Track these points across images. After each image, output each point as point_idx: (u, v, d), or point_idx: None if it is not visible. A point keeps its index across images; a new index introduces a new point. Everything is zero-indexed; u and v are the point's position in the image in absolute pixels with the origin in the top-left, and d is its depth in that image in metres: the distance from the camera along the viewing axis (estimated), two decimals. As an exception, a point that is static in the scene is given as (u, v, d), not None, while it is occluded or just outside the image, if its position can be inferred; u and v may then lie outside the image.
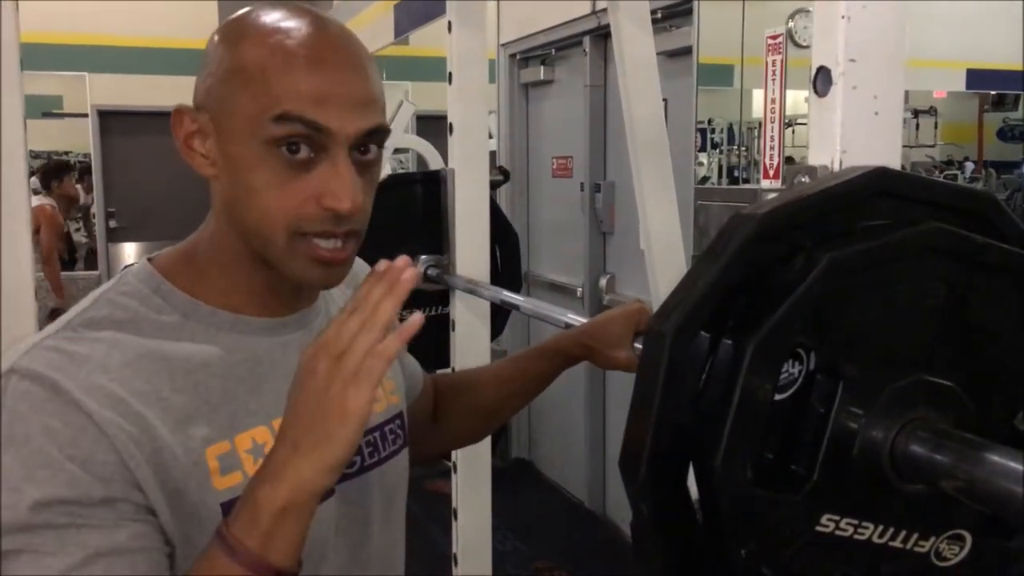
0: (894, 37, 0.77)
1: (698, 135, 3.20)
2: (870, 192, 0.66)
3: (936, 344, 0.67)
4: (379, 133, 0.80)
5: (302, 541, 0.69)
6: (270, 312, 0.85)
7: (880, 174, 0.66)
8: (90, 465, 0.70)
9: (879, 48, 0.76)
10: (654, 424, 0.64)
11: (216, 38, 0.81)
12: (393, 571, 0.97)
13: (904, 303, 0.66)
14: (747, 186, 3.05)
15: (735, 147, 3.34)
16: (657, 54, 3.26)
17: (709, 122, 3.34)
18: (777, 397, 0.65)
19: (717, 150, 3.42)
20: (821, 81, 0.77)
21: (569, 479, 4.34)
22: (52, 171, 6.53)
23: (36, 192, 6.15)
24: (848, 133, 0.76)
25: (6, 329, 1.54)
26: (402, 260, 0.73)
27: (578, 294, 4.06)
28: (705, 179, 3.27)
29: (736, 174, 3.31)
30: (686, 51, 3.19)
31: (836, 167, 0.76)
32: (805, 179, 0.78)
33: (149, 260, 0.85)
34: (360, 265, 1.06)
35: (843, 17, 0.75)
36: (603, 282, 3.95)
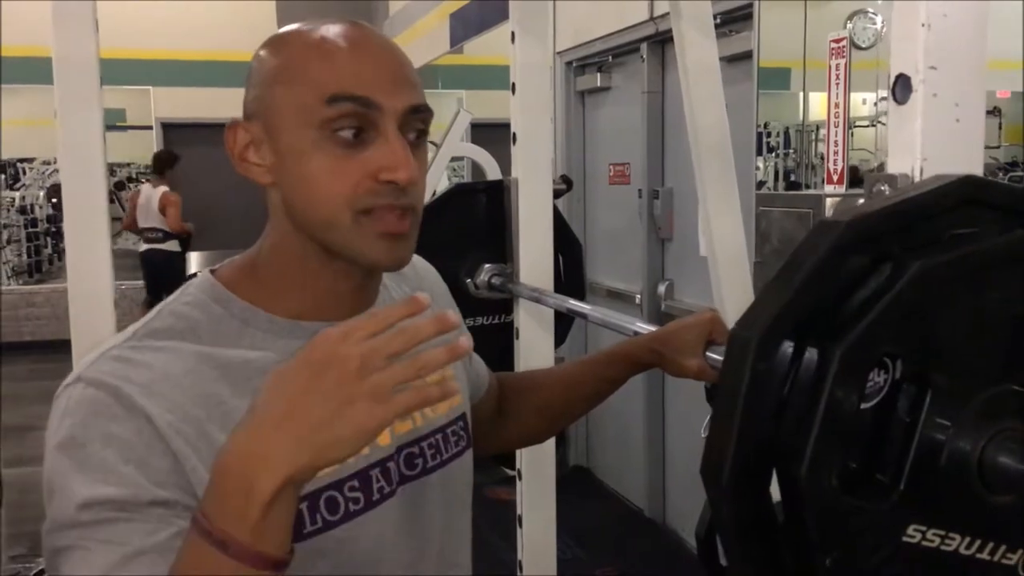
0: (975, 44, 0.76)
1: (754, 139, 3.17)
2: (958, 200, 0.65)
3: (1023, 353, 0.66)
4: (424, 112, 0.84)
5: (291, 526, 0.66)
6: (328, 316, 0.86)
7: (968, 182, 0.65)
8: (145, 469, 0.73)
9: (960, 55, 0.75)
10: (737, 432, 0.64)
11: (259, 52, 0.86)
12: (460, 572, 0.98)
13: (993, 312, 0.65)
14: (811, 191, 3.01)
15: (790, 151, 3.31)
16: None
17: (765, 126, 3.30)
18: (863, 406, 0.65)
19: (773, 154, 3.38)
20: (900, 88, 0.77)
21: (628, 487, 4.32)
22: (165, 160, 7.39)
23: (147, 180, 7.56)
24: (929, 141, 0.76)
25: (88, 334, 1.59)
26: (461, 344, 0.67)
27: (636, 301, 4.04)
28: (761, 184, 3.24)
29: (792, 178, 3.27)
30: (745, 56, 3.16)
31: (917, 175, 0.76)
32: (884, 188, 0.77)
33: (212, 271, 0.88)
34: (423, 265, 1.09)
35: (923, 25, 0.74)
36: (662, 289, 3.93)
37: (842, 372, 0.62)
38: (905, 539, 0.65)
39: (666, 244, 3.97)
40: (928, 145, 0.76)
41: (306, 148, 0.80)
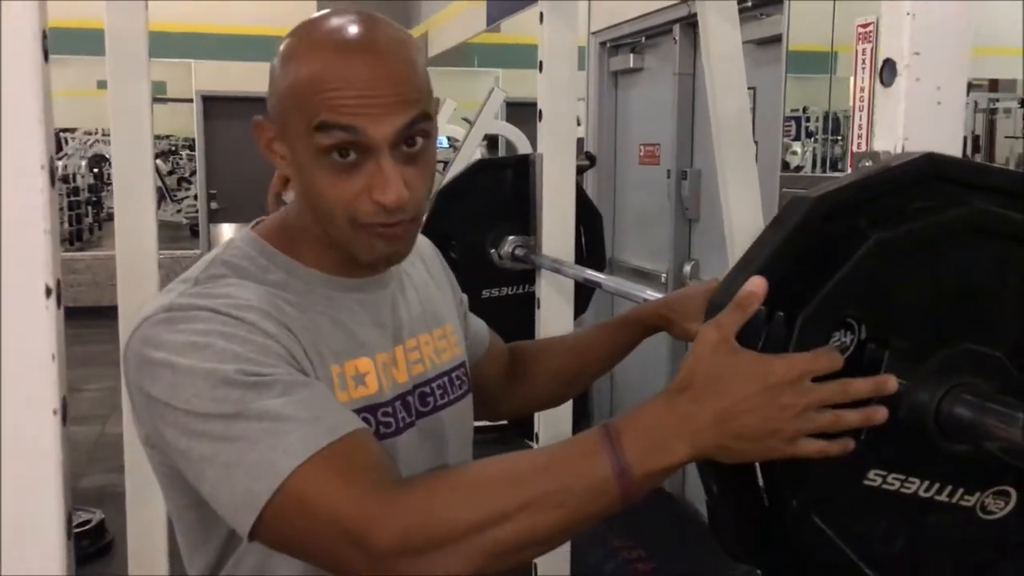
0: (958, 31, 0.82)
1: (792, 124, 3.18)
2: (921, 176, 0.71)
3: (983, 316, 0.73)
4: (419, 124, 0.87)
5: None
6: (352, 274, 0.96)
7: (929, 159, 0.71)
8: (267, 355, 0.82)
9: (943, 42, 0.81)
10: None
11: (278, 52, 0.91)
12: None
13: (951, 278, 0.71)
14: (835, 173, 3.04)
15: (839, 138, 3.29)
16: (747, 42, 3.28)
17: (804, 110, 3.30)
18: None
19: (812, 139, 3.37)
20: (887, 72, 0.83)
21: (649, 463, 4.38)
22: None
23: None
24: (911, 121, 0.81)
25: (134, 298, 1.69)
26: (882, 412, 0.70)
27: (662, 280, 4.10)
28: (799, 168, 3.25)
29: (840, 166, 3.25)
30: (777, 39, 3.19)
31: (899, 153, 0.82)
32: (869, 163, 0.84)
33: (252, 228, 0.98)
34: (423, 241, 1.16)
35: (908, 14, 0.80)
36: (687, 269, 3.98)
37: (804, 335, 0.69)
38: (866, 482, 0.72)
39: (693, 224, 4.02)
40: (910, 125, 0.81)
41: (307, 164, 0.88)
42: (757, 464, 0.73)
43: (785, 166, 3.20)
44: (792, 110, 3.16)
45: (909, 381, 0.70)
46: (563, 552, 2.04)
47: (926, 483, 0.73)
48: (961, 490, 0.74)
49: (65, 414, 0.78)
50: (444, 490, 0.76)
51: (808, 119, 3.32)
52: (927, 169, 0.71)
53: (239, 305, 0.84)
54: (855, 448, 0.71)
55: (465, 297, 1.23)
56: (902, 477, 0.73)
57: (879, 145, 0.84)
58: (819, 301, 0.69)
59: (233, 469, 0.77)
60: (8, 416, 0.76)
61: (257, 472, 0.76)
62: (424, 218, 0.94)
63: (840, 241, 0.70)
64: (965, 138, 4.30)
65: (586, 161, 2.28)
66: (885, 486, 0.72)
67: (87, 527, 3.47)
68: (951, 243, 0.71)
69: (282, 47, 0.91)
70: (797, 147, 3.25)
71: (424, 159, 0.90)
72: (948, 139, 0.82)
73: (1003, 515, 0.75)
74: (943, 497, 0.74)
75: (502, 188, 2.00)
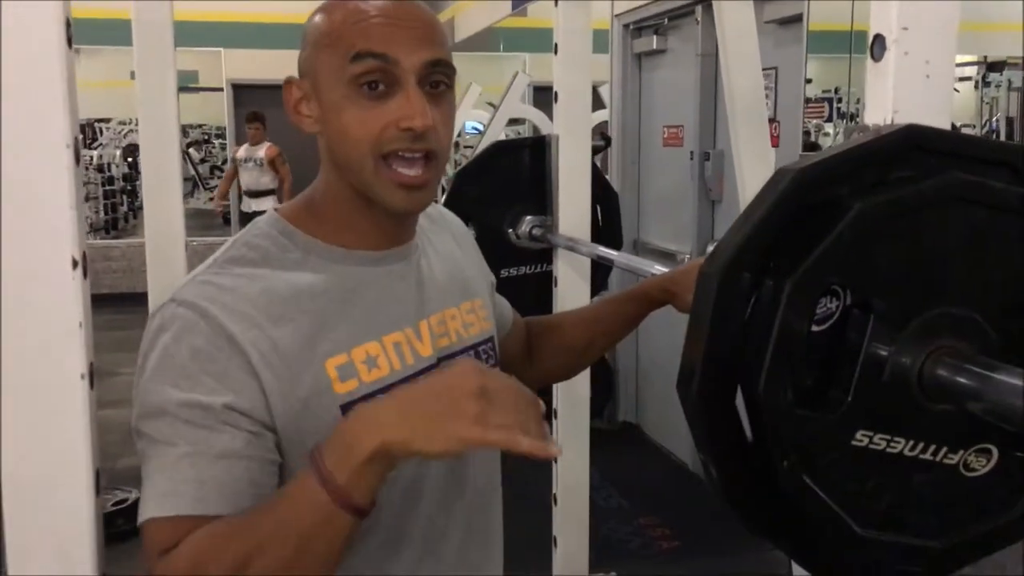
0: (946, 7, 0.84)
1: (825, 104, 3.16)
2: (902, 147, 0.74)
3: (961, 280, 0.75)
4: (443, 66, 0.94)
5: (379, 486, 0.81)
6: (375, 246, 1.00)
7: (908, 131, 0.74)
8: (224, 378, 0.87)
9: (930, 17, 0.83)
10: (704, 350, 0.74)
11: (311, 17, 0.99)
12: (491, 475, 1.11)
13: (930, 244, 0.74)
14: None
15: None
16: (769, 22, 3.27)
17: (836, 91, 3.28)
18: (818, 329, 0.74)
19: (844, 120, 3.36)
20: (877, 47, 0.85)
21: (674, 443, 4.42)
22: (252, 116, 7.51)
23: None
24: (900, 95, 0.84)
25: (163, 284, 1.74)
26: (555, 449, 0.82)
27: (685, 262, 4.11)
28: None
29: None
30: (798, 18, 3.19)
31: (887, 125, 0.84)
32: (859, 135, 0.86)
33: (275, 210, 1.02)
34: (451, 215, 1.22)
35: (897, -11, 0.83)
36: (710, 250, 3.98)
37: (791, 302, 0.71)
38: (854, 443, 0.75)
39: (716, 206, 4.03)
40: (899, 99, 0.84)
41: (340, 102, 0.93)
42: (748, 432, 0.76)
43: (816, 147, 3.19)
44: (824, 91, 3.15)
45: (893, 345, 0.73)
46: (582, 532, 2.08)
47: (911, 442, 0.76)
48: (945, 449, 0.76)
49: (92, 378, 0.83)
50: (203, 550, 0.83)
51: (840, 100, 3.31)
52: (908, 140, 0.73)
53: (232, 308, 0.89)
54: (843, 410, 0.73)
55: (494, 279, 1.26)
56: (887, 437, 0.75)
57: (870, 119, 0.87)
58: (805, 269, 0.71)
59: (146, 479, 0.87)
60: (40, 379, 0.82)
61: (145, 496, 0.86)
62: (444, 168, 0.99)
63: (825, 211, 0.73)
64: (997, 120, 4.25)
65: (601, 142, 2.30)
66: (872, 446, 0.75)
67: (123, 506, 3.56)
68: (930, 211, 0.73)
69: (320, 7, 0.98)
70: (829, 128, 3.24)
71: (446, 104, 0.96)
72: (936, 112, 0.85)
73: (984, 472, 0.78)
74: (927, 456, 0.76)
75: (519, 169, 2.03)
